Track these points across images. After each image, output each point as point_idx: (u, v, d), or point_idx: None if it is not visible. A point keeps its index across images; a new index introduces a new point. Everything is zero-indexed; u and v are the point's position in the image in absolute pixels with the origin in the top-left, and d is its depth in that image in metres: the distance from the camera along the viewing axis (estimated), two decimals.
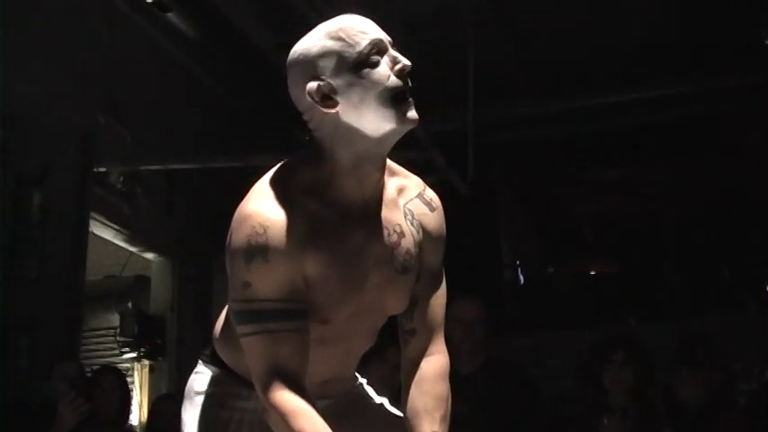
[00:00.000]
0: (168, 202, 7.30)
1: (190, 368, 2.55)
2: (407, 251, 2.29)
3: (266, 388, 2.12)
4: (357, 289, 2.24)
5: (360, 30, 2.17)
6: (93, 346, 7.75)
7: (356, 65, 2.13)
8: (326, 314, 2.22)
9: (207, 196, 7.33)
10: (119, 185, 6.85)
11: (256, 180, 2.27)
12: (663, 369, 4.89)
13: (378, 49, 2.16)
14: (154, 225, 7.25)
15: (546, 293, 9.85)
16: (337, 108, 2.14)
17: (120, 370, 6.32)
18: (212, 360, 2.46)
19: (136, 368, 7.70)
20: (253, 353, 2.16)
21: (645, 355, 4.73)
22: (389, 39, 2.20)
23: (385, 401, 2.57)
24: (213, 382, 2.44)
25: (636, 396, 4.61)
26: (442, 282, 2.40)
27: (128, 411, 6.01)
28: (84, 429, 5.25)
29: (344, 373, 2.47)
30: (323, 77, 2.14)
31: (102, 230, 6.90)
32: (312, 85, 2.14)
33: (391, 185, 2.32)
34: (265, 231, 2.11)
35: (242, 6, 6.65)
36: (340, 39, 2.15)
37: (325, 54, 2.15)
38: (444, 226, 2.39)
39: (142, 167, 6.82)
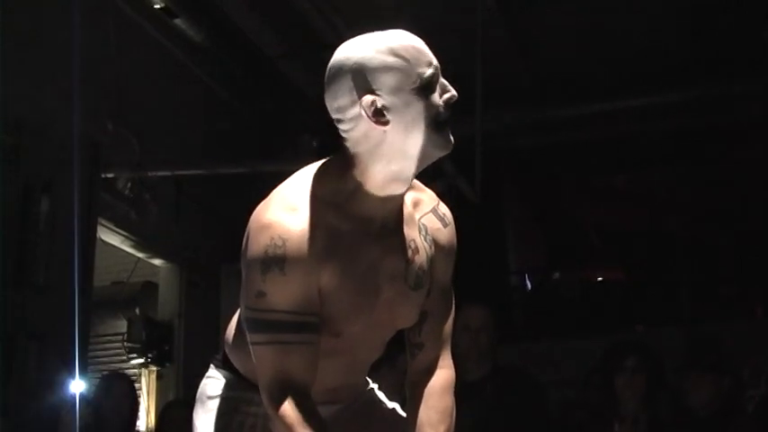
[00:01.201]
0: (176, 209, 7.30)
1: (197, 374, 2.55)
2: (420, 266, 2.30)
3: (273, 397, 2.13)
4: (369, 303, 2.24)
5: (422, 51, 2.17)
6: (100, 352, 7.76)
7: (418, 88, 2.12)
8: (338, 327, 2.22)
9: (215, 202, 7.34)
10: (126, 191, 6.86)
11: (264, 186, 2.27)
12: (670, 375, 4.89)
13: (437, 76, 2.16)
14: (161, 231, 7.25)
15: (553, 300, 9.85)
16: (388, 126, 2.12)
17: (129, 376, 6.33)
18: (224, 364, 2.47)
19: (143, 374, 7.70)
20: (262, 362, 2.17)
21: (656, 362, 4.73)
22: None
23: (396, 406, 2.58)
24: (225, 386, 2.44)
25: (647, 402, 4.61)
26: (451, 297, 2.43)
27: (136, 418, 6.01)
28: None
29: (354, 380, 2.49)
30: (379, 92, 2.10)
31: (110, 236, 6.90)
32: (368, 98, 2.10)
33: (407, 199, 2.31)
34: (284, 243, 2.10)
35: (250, 13, 6.66)
36: (403, 58, 2.12)
37: (386, 70, 2.11)
38: (455, 242, 2.40)
39: (150, 174, 6.82)
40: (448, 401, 2.36)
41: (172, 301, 7.65)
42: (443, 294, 2.39)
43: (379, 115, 2.11)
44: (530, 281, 10.21)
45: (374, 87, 2.10)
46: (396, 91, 2.11)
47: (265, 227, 2.13)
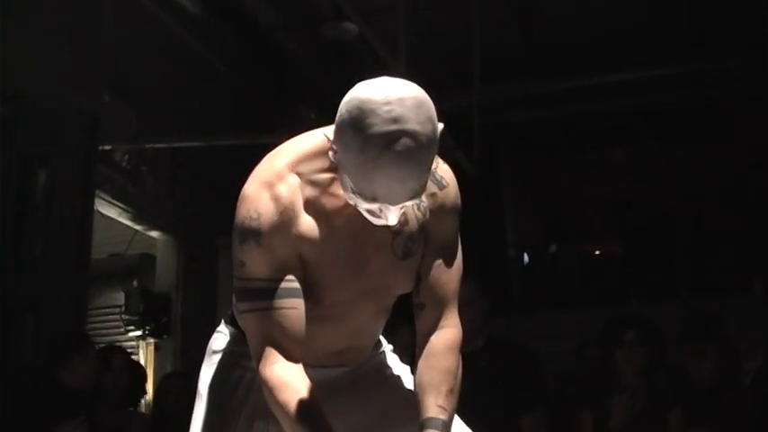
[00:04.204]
0: (173, 181, 7.30)
1: (195, 346, 2.58)
2: (410, 236, 2.29)
3: (259, 362, 2.17)
4: (356, 274, 2.26)
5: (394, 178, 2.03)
6: (98, 325, 7.77)
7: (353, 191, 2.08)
8: (325, 296, 2.25)
9: (212, 175, 7.33)
10: (124, 164, 6.86)
11: (261, 158, 2.28)
12: (668, 348, 4.90)
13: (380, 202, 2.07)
14: (159, 203, 7.25)
15: (551, 274, 9.86)
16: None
17: (125, 349, 6.34)
18: (231, 321, 2.51)
19: (141, 346, 7.71)
20: (248, 328, 2.23)
21: (655, 336, 4.74)
22: None
23: (406, 371, 2.58)
24: (230, 342, 2.50)
25: (646, 375, 4.63)
26: (454, 255, 2.37)
27: (143, 390, 6.04)
28: (93, 409, 5.28)
29: (360, 343, 2.48)
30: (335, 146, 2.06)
31: (108, 209, 6.90)
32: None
33: None
34: (259, 217, 2.16)
35: None
36: (364, 164, 1.99)
37: (346, 146, 2.00)
38: (458, 200, 2.37)
39: (147, 146, 6.82)
40: (451, 361, 2.29)
41: (169, 273, 7.65)
42: (443, 253, 2.35)
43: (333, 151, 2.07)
44: (527, 254, 10.22)
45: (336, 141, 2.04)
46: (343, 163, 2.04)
47: (243, 200, 2.19)
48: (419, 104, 2.00)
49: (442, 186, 2.34)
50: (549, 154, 10.06)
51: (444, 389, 2.23)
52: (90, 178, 6.43)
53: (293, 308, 2.17)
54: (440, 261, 2.34)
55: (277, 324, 2.16)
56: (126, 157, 6.85)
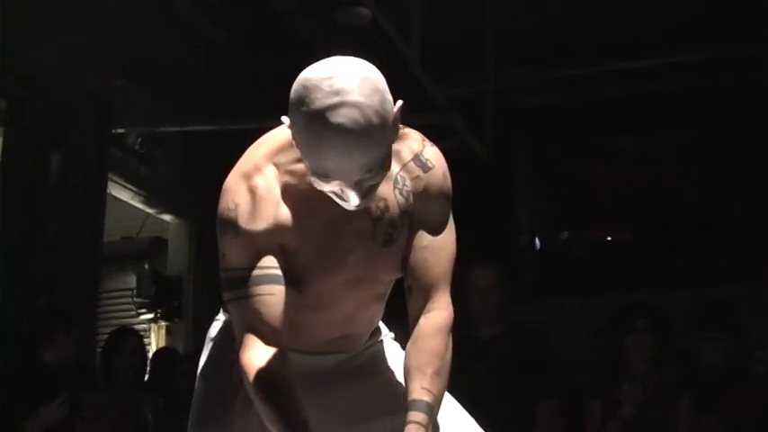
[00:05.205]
0: (186, 164, 7.31)
1: (206, 329, 2.59)
2: (390, 223, 2.26)
3: (239, 349, 2.19)
4: (339, 262, 2.25)
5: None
6: (109, 307, 7.79)
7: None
8: (309, 284, 2.26)
9: (224, 158, 7.30)
10: (137, 147, 6.88)
11: None
12: (678, 336, 4.90)
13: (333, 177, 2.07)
14: (171, 186, 7.27)
15: (562, 260, 9.85)
16: None
17: (138, 332, 6.35)
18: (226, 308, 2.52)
19: (152, 329, 7.74)
20: (233, 317, 2.26)
21: (666, 323, 4.74)
22: None
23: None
24: (225, 327, 2.51)
25: (656, 363, 4.62)
26: (443, 237, 2.32)
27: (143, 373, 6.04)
28: (105, 391, 5.29)
29: (356, 330, 2.46)
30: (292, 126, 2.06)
31: (120, 192, 6.92)
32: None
33: None
34: (236, 208, 2.19)
35: None
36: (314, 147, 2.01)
37: (298, 128, 2.02)
38: (446, 182, 2.32)
39: (160, 129, 6.83)
40: (439, 343, 2.23)
41: (181, 256, 7.67)
42: (430, 237, 2.30)
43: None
44: (539, 240, 10.20)
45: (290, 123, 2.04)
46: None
47: (223, 191, 2.25)
48: (364, 77, 1.99)
49: (426, 169, 2.29)
50: (562, 140, 10.05)
51: (430, 371, 2.18)
52: (103, 161, 6.45)
53: (270, 293, 2.18)
54: (425, 244, 2.29)
55: (255, 311, 2.17)
56: (139, 140, 6.86)
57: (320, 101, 1.95)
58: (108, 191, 6.60)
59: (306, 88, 1.97)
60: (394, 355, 2.56)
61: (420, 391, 2.15)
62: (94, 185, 6.39)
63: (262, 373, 2.14)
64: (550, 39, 7.70)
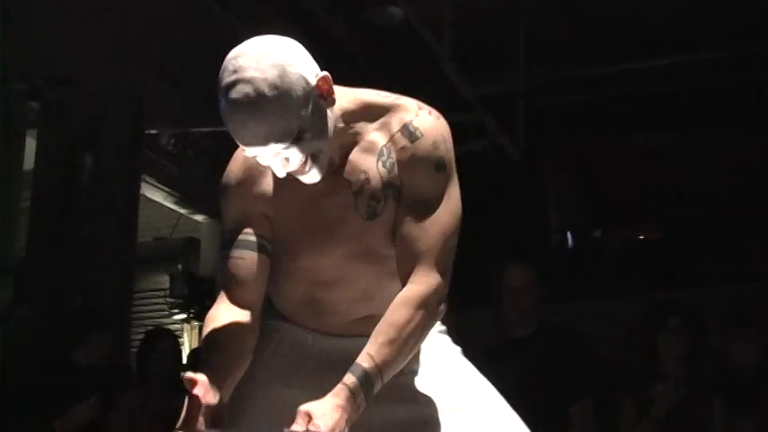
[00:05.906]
0: (218, 165, 7.31)
1: None
2: (372, 196, 2.26)
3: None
4: (325, 235, 2.30)
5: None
6: (143, 308, 7.83)
7: None
8: (301, 257, 2.34)
9: None
10: (169, 147, 6.90)
11: None
12: (711, 335, 4.86)
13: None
14: (204, 187, 7.27)
15: (595, 259, 9.81)
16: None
17: (174, 333, 6.38)
18: None
19: (185, 329, 7.76)
20: None
21: (699, 322, 4.70)
22: None
23: (454, 352, 2.53)
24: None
25: (688, 362, 4.59)
26: (431, 211, 2.25)
27: (178, 373, 6.06)
28: (140, 391, 5.31)
29: (379, 310, 2.29)
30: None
31: (153, 192, 6.95)
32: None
33: (374, 125, 2.30)
34: (228, 175, 2.45)
35: None
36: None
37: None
38: (435, 151, 2.27)
39: (193, 130, 6.85)
40: (402, 314, 2.16)
41: (214, 256, 7.68)
42: (417, 208, 2.25)
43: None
44: (571, 239, 10.16)
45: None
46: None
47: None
48: (264, 54, 2.14)
49: (414, 138, 2.26)
50: (594, 138, 10.00)
51: (381, 339, 2.13)
52: (135, 162, 6.47)
53: (241, 258, 2.32)
54: (411, 216, 2.24)
55: (227, 271, 2.34)
56: (171, 140, 6.88)
57: (224, 80, 2.16)
58: (141, 192, 6.62)
59: (220, 70, 2.18)
60: (439, 350, 2.49)
61: (363, 356, 2.11)
62: (127, 186, 6.41)
63: (213, 324, 2.28)
64: (581, 36, 7.67)
